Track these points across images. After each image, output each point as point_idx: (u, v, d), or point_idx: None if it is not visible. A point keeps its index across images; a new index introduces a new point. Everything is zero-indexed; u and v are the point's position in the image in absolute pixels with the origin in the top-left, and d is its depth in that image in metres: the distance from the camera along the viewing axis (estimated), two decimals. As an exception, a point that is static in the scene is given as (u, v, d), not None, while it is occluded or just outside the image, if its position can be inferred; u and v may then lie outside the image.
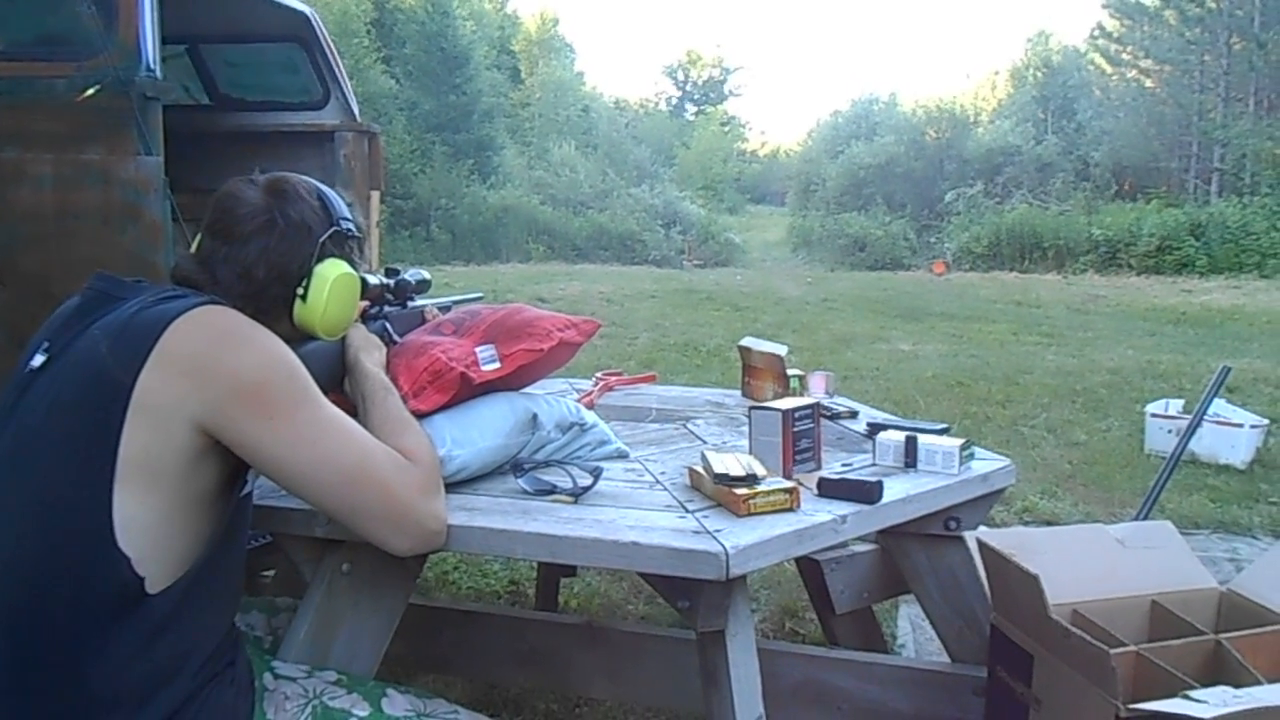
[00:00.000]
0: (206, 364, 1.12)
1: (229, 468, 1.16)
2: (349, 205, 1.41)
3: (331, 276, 1.32)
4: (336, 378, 1.43)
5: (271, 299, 1.30)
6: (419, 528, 1.22)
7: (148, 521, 1.09)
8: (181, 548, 1.13)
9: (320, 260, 1.32)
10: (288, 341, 1.30)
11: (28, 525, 1.10)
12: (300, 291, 1.31)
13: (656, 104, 44.03)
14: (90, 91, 2.80)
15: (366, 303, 1.55)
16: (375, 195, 4.02)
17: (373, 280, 1.54)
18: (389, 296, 1.60)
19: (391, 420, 1.32)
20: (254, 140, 3.86)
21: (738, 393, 2.44)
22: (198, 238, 1.33)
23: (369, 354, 1.45)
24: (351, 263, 1.37)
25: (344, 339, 1.45)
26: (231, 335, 1.15)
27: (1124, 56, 28.09)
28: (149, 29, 2.85)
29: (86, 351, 1.13)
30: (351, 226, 1.37)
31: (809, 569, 2.27)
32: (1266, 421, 4.75)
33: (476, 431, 1.49)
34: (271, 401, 1.14)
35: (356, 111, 4.12)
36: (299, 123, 4.00)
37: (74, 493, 1.08)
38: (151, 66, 2.83)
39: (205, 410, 1.10)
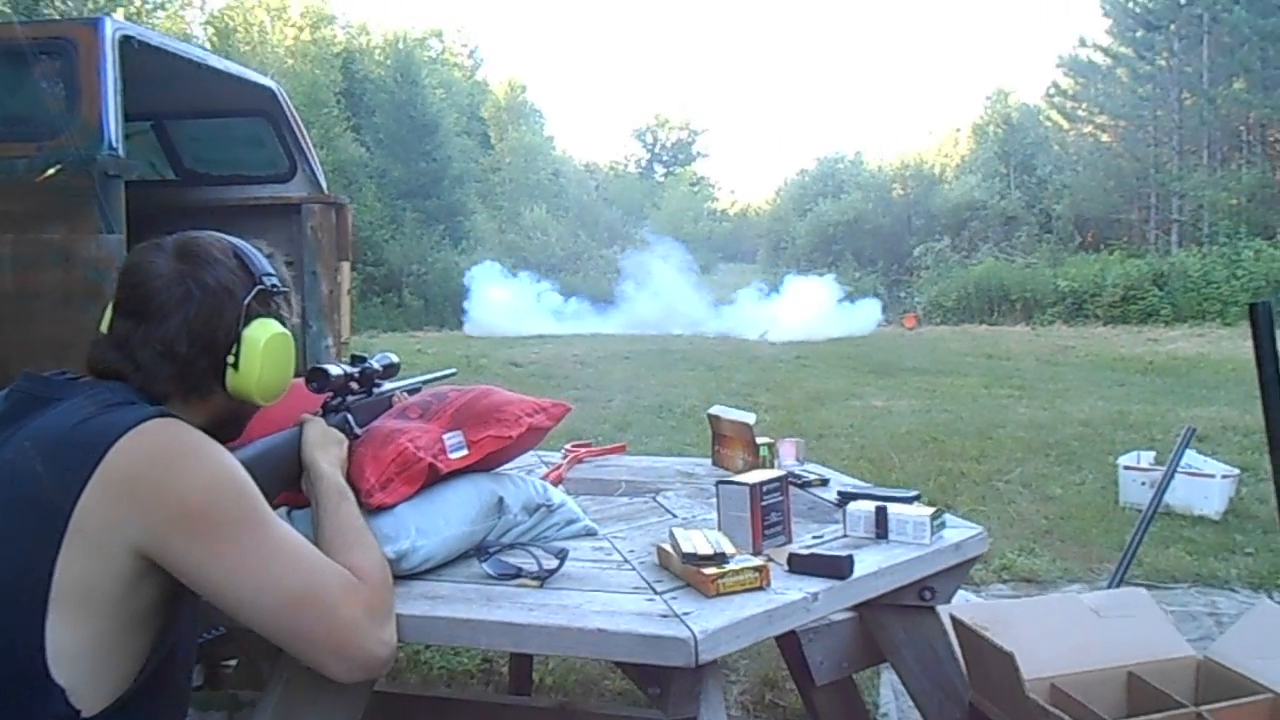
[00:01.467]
0: (149, 487, 1.06)
1: (170, 587, 1.11)
2: (279, 265, 1.34)
3: (262, 340, 1.23)
4: (292, 478, 1.38)
5: (200, 373, 1.22)
6: (364, 655, 1.15)
7: (82, 648, 1.04)
8: (120, 667, 1.07)
9: (247, 323, 1.23)
10: (227, 416, 1.27)
11: None
12: (231, 360, 1.22)
13: (626, 166, 44.64)
14: (51, 171, 2.79)
15: (329, 394, 1.50)
16: (345, 265, 4.02)
17: (335, 370, 1.48)
18: (354, 385, 1.54)
19: (344, 531, 1.26)
20: (221, 214, 3.85)
21: (708, 461, 2.41)
22: (107, 317, 1.24)
23: (325, 452, 1.39)
24: (281, 319, 1.29)
25: (300, 435, 1.40)
26: (177, 455, 1.09)
27: (1080, 113, 28.85)
28: (111, 108, 2.86)
29: (19, 468, 1.06)
30: (275, 281, 1.29)
31: (786, 640, 2.21)
32: (1237, 471, 4.79)
33: (442, 520, 1.46)
34: (216, 527, 1.08)
35: (324, 183, 4.13)
36: (265, 196, 4.01)
37: (3, 615, 1.02)
38: (114, 145, 2.83)
39: (146, 536, 1.05)
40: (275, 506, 1.21)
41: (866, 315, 18.52)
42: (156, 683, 1.11)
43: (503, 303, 19.06)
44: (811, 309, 17.89)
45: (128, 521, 1.04)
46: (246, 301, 1.24)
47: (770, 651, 2.86)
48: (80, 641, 1.03)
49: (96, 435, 1.07)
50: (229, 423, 1.30)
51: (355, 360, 1.57)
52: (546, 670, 2.87)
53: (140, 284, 1.21)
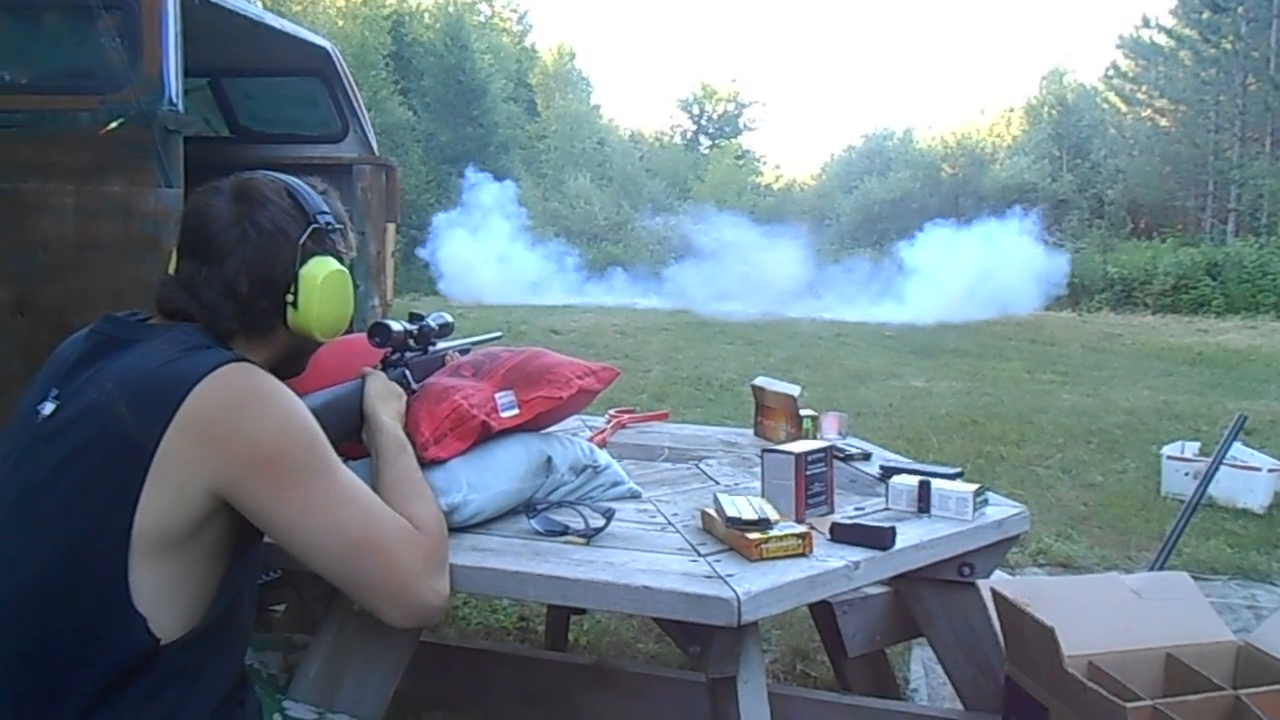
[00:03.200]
0: (226, 432, 1.10)
1: (240, 527, 1.15)
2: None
3: (320, 277, 1.26)
4: (354, 428, 1.42)
5: (262, 312, 1.25)
6: (418, 602, 1.19)
7: (161, 581, 1.08)
8: (194, 600, 1.12)
9: (304, 262, 1.26)
10: (290, 352, 1.31)
11: (37, 578, 1.09)
12: (290, 299, 1.25)
13: (671, 137, 44.29)
14: (114, 124, 2.84)
15: (389, 349, 1.54)
16: (391, 227, 4.06)
17: (396, 327, 1.52)
18: (411, 342, 1.58)
19: (403, 483, 1.30)
20: (273, 172, 3.90)
21: (750, 432, 2.43)
22: (173, 259, 1.28)
23: (386, 405, 1.43)
24: (338, 256, 1.31)
25: (362, 387, 1.44)
26: (252, 401, 1.13)
27: (1139, 96, 28.20)
28: (172, 63, 2.90)
29: (102, 407, 1.10)
30: (330, 219, 1.31)
31: (821, 611, 2.25)
32: (1285, 465, 4.70)
33: (492, 475, 1.49)
34: (286, 472, 1.13)
35: (374, 145, 4.17)
36: (317, 155, 4.05)
37: (88, 552, 1.07)
38: (174, 100, 2.87)
39: (221, 478, 1.10)
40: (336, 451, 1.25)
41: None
42: (226, 616, 1.16)
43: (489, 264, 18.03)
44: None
45: (205, 463, 1.08)
46: (302, 240, 1.26)
47: (802, 622, 2.88)
48: (160, 575, 1.08)
49: (176, 379, 1.10)
50: (292, 359, 1.34)
51: (413, 318, 1.60)
52: (581, 631, 2.92)
53: (200, 226, 1.24)
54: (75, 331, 1.27)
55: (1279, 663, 1.54)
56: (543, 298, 17.48)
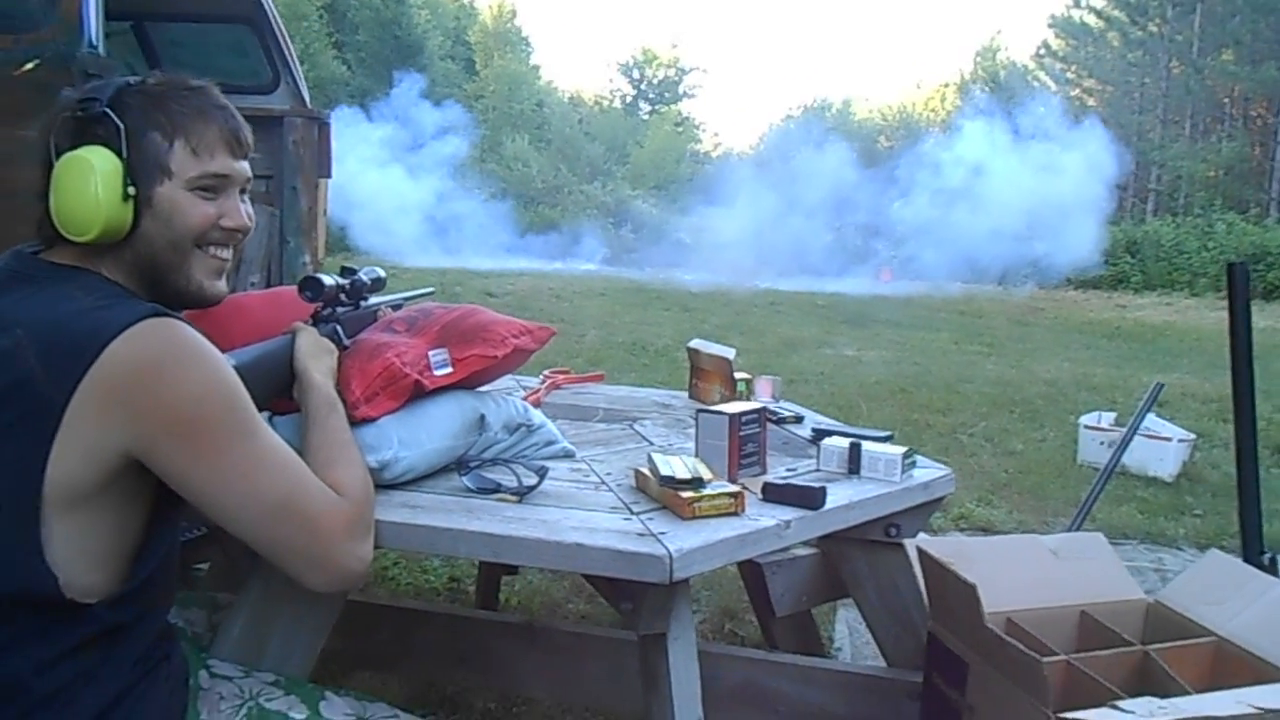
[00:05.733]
0: (140, 394, 1.05)
1: (159, 485, 1.11)
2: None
3: (56, 168, 1.14)
4: (284, 384, 1.38)
5: (44, 214, 1.16)
6: (339, 568, 1.17)
7: (74, 539, 1.05)
8: (112, 559, 1.09)
9: (58, 156, 1.14)
10: (140, 268, 1.19)
11: None
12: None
13: (611, 101, 43.95)
14: (29, 66, 2.72)
15: (320, 304, 1.50)
16: (325, 183, 3.96)
17: (328, 281, 1.48)
18: (343, 297, 1.53)
19: (330, 445, 1.27)
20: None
21: (684, 394, 2.44)
22: None
23: (318, 361, 1.39)
24: (107, 144, 1.15)
25: (292, 343, 1.40)
26: (169, 361, 1.08)
27: (1068, 75, 28.78)
28: (92, 5, 2.78)
29: (9, 356, 1.04)
30: (91, 104, 1.15)
31: (750, 571, 2.29)
32: (1194, 436, 4.91)
33: (424, 433, 1.48)
34: (204, 436, 1.09)
35: (307, 97, 4.05)
36: (247, 107, 3.86)
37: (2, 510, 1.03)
38: (94, 42, 2.75)
39: (134, 441, 1.05)
40: (263, 411, 1.21)
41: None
42: (147, 575, 1.13)
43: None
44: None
45: (117, 425, 1.04)
46: (51, 136, 1.15)
47: (730, 584, 2.93)
48: (71, 532, 1.04)
49: (89, 333, 1.05)
50: (147, 271, 1.20)
51: (345, 272, 1.57)
52: (512, 592, 2.93)
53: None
54: None
55: (1184, 619, 1.61)
56: (476, 260, 17.27)
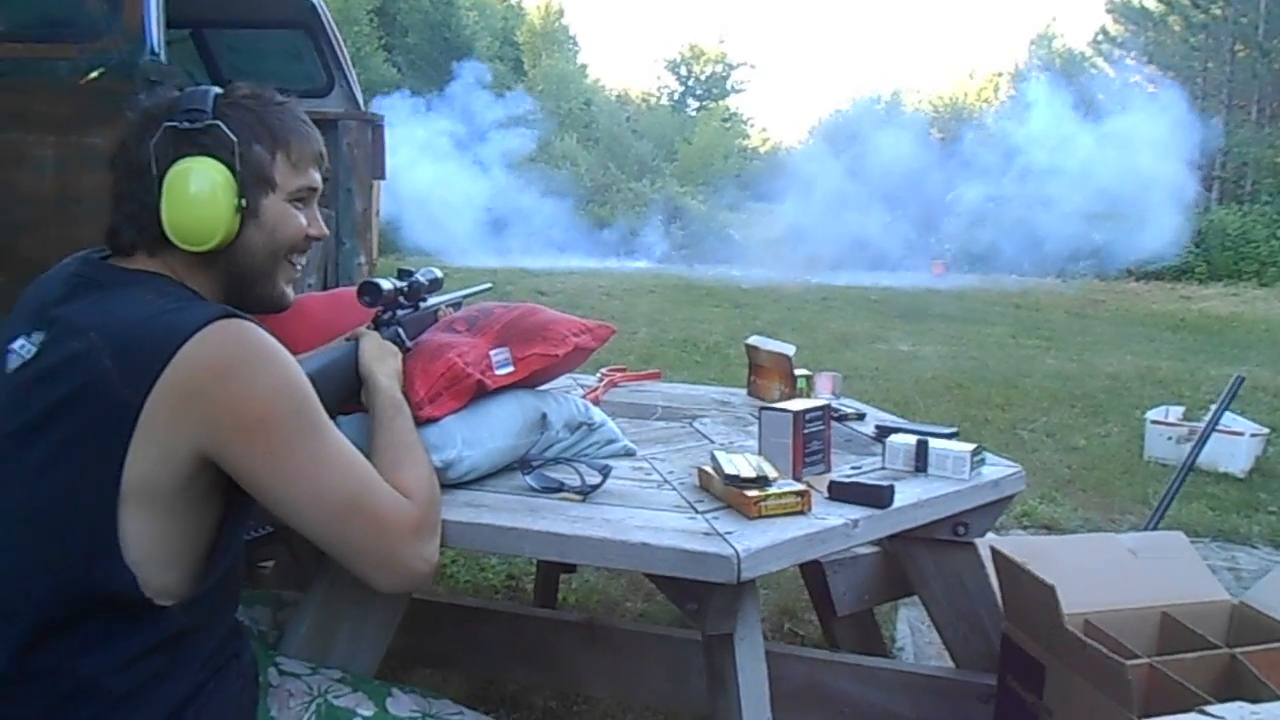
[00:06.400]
0: (213, 394, 1.06)
1: (230, 484, 1.12)
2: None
3: (170, 178, 1.15)
4: (352, 391, 1.39)
5: (144, 226, 1.17)
6: (405, 569, 1.17)
7: (152, 537, 1.06)
8: (184, 558, 1.10)
9: (166, 167, 1.15)
10: (223, 274, 1.21)
11: (20, 529, 1.06)
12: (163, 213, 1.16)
13: (659, 98, 43.85)
14: (94, 74, 2.78)
15: (380, 308, 1.50)
16: (378, 184, 4.00)
17: (386, 285, 1.48)
18: (402, 300, 1.53)
19: (397, 445, 1.27)
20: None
21: (743, 391, 2.42)
22: None
23: (383, 364, 1.40)
24: (219, 155, 1.16)
25: (356, 348, 1.41)
26: (240, 361, 1.08)
27: (1128, 62, 28.09)
28: (154, 13, 2.83)
29: (84, 359, 1.05)
30: (199, 115, 1.16)
31: (811, 570, 2.26)
32: (1267, 430, 4.76)
33: (487, 432, 1.47)
34: (274, 436, 1.09)
35: (361, 100, 4.10)
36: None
37: (76, 507, 1.04)
38: (156, 50, 2.80)
39: (207, 440, 1.06)
40: (334, 418, 1.22)
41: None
42: (219, 574, 1.14)
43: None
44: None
45: (191, 426, 1.05)
46: (155, 141, 1.16)
47: (790, 582, 2.90)
48: (148, 530, 1.05)
49: (164, 336, 1.06)
50: (236, 283, 1.23)
51: (402, 274, 1.57)
52: (569, 590, 2.93)
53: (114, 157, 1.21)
54: None
55: (1272, 621, 1.55)
56: (526, 259, 17.33)
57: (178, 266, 1.18)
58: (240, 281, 1.23)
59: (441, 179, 16.79)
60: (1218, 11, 24.86)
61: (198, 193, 1.15)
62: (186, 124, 1.16)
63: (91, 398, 1.04)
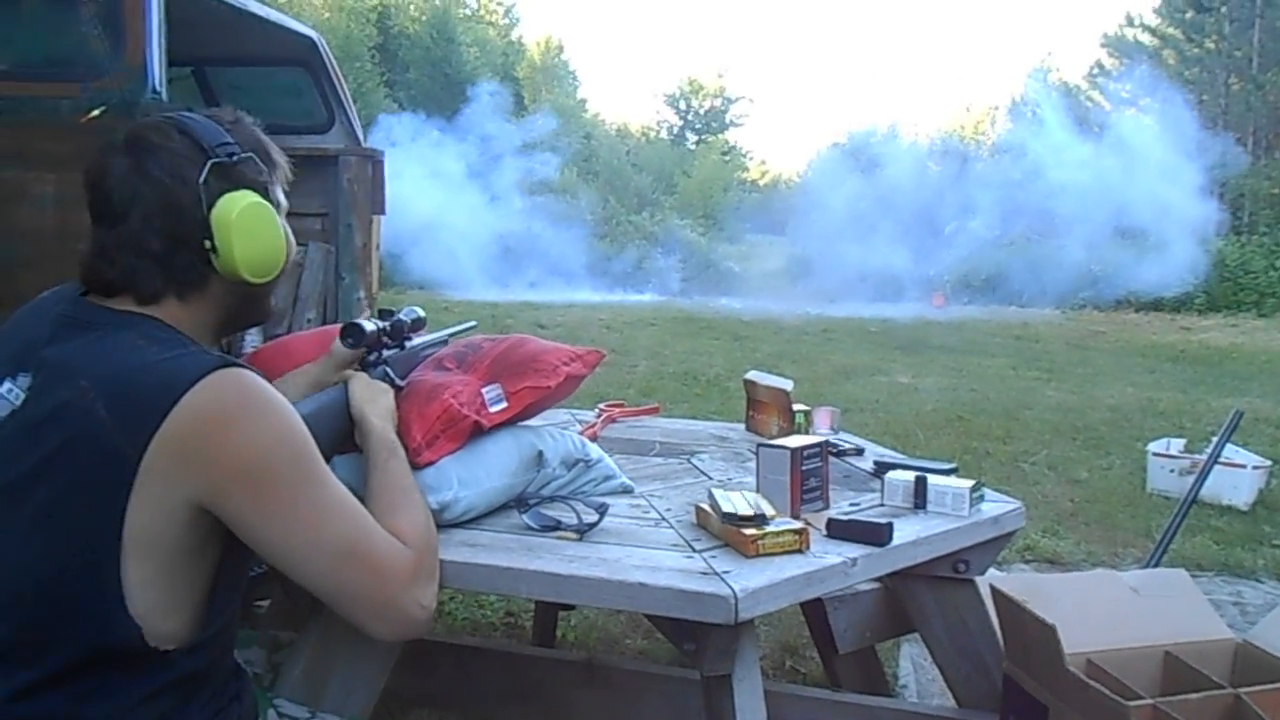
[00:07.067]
0: (215, 445, 1.05)
1: (229, 533, 1.11)
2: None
3: (233, 214, 1.14)
4: (346, 434, 1.38)
5: (184, 266, 1.14)
6: (403, 616, 1.16)
7: (152, 587, 1.05)
8: (185, 604, 1.09)
9: (213, 202, 1.13)
10: (237, 300, 1.20)
11: (17, 581, 1.05)
12: (209, 245, 1.14)
13: (658, 132, 44.17)
14: (95, 112, 2.80)
15: (364, 349, 1.49)
16: (378, 219, 4.02)
17: (369, 326, 1.47)
18: (385, 340, 1.53)
19: (392, 490, 1.27)
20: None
21: (741, 426, 2.41)
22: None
23: (374, 405, 1.39)
24: (256, 187, 1.18)
25: (346, 391, 1.40)
26: (239, 412, 1.07)
27: (1123, 95, 28.30)
28: (156, 51, 2.85)
29: (77, 408, 1.04)
30: (233, 149, 1.16)
31: (812, 606, 2.24)
32: (1269, 463, 4.72)
33: (483, 471, 1.47)
34: (272, 487, 1.08)
35: (361, 136, 4.12)
36: (303, 147, 3.99)
37: (77, 562, 1.03)
38: (157, 88, 2.83)
39: (206, 491, 1.05)
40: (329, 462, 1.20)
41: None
42: (221, 618, 1.13)
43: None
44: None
45: (190, 476, 1.04)
46: (202, 180, 1.13)
47: (791, 619, 2.87)
48: (150, 580, 1.04)
49: (162, 386, 1.04)
50: (245, 306, 1.24)
51: (384, 315, 1.56)
52: (568, 627, 2.90)
53: (97, 185, 1.14)
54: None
55: (1277, 660, 1.53)
56: (527, 292, 17.37)
57: (172, 307, 1.16)
58: (243, 304, 1.23)
59: (448, 207, 16.83)
60: (1211, 45, 25.11)
61: (263, 226, 1.17)
62: (229, 159, 1.16)
63: (87, 450, 1.03)
